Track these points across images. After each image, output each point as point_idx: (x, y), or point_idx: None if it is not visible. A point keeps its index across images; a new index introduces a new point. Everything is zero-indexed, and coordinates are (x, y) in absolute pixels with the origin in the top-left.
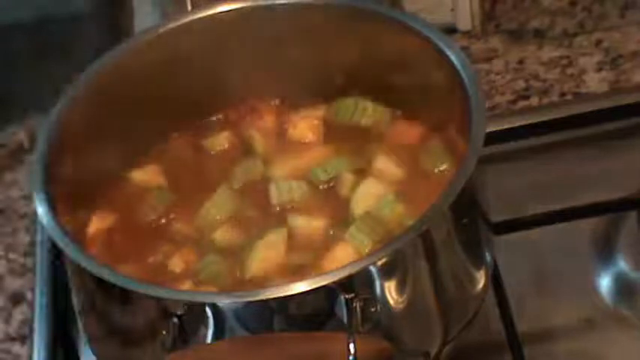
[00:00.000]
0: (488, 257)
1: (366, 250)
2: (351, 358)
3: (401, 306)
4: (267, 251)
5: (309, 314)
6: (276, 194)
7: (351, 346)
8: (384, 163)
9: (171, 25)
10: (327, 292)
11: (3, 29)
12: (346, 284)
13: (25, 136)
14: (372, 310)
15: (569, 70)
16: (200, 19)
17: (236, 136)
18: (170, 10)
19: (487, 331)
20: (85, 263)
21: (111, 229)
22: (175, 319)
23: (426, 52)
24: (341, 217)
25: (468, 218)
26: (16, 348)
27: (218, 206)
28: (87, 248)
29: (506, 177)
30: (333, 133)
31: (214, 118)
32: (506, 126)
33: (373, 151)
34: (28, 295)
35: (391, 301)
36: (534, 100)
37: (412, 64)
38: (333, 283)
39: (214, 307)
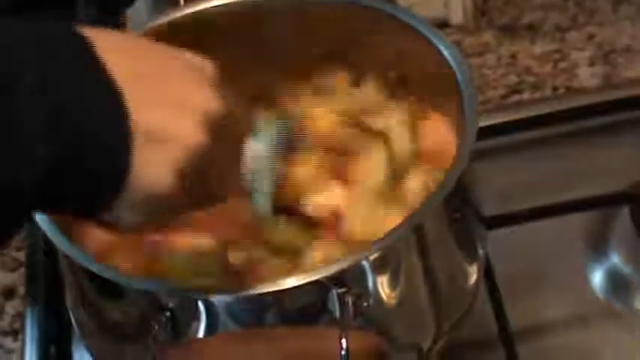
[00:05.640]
0: (480, 252)
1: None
2: (343, 352)
3: (393, 301)
4: None
5: (301, 309)
6: None
7: (344, 340)
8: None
9: (164, 20)
10: (320, 287)
11: None
12: (338, 279)
13: None
14: (365, 304)
15: (562, 65)
16: (193, 14)
17: None
18: (163, 6)
19: (480, 326)
20: (77, 257)
21: None
22: (168, 314)
23: (418, 46)
24: None
25: (460, 213)
26: (9, 342)
27: None
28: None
29: (498, 171)
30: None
31: None
32: (498, 120)
33: None
34: (21, 290)
35: (383, 296)
36: (527, 95)
37: (404, 59)
38: (326, 277)
39: (206, 302)
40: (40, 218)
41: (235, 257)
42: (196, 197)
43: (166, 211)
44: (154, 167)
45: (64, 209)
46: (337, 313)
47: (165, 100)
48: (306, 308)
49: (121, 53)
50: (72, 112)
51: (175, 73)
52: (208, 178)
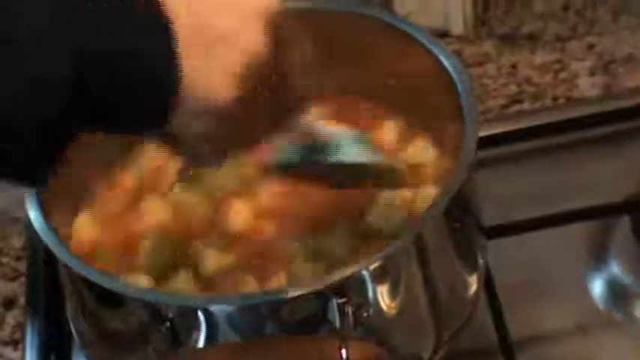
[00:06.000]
0: (480, 262)
1: None
2: None
3: (393, 311)
4: None
5: (301, 319)
6: None
7: (343, 351)
8: None
9: None
10: (320, 297)
11: None
12: (339, 289)
13: None
14: (365, 314)
15: (562, 75)
16: None
17: None
18: None
19: (479, 336)
20: (77, 267)
21: None
22: (167, 324)
23: (418, 56)
24: None
25: (460, 223)
26: (9, 352)
27: None
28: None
29: (498, 181)
30: None
31: None
32: (498, 130)
33: None
34: (21, 300)
35: (383, 306)
36: (527, 105)
37: (404, 69)
38: (326, 287)
39: (206, 312)
40: (40, 228)
41: (207, 267)
42: (255, 111)
43: (226, 124)
44: (209, 71)
45: (116, 127)
46: (337, 323)
47: (213, 3)
48: (306, 318)
49: None
50: (101, 27)
51: None
52: (267, 88)
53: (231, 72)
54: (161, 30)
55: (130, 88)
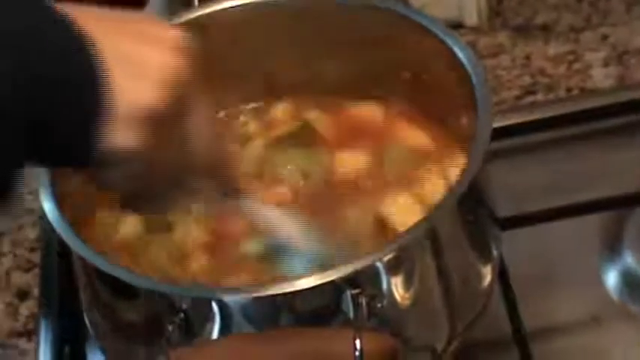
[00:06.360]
0: (494, 253)
1: None
2: (357, 353)
3: (407, 302)
4: None
5: (315, 310)
6: None
7: (357, 341)
8: None
9: (178, 21)
10: (334, 288)
11: None
12: (353, 280)
13: None
14: (379, 305)
15: (576, 66)
16: (208, 15)
17: None
18: (177, 7)
19: (493, 327)
20: (91, 259)
21: None
22: (181, 315)
23: (432, 47)
24: None
25: (474, 214)
26: (23, 343)
27: None
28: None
29: (512, 172)
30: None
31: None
32: (512, 121)
33: None
34: (35, 291)
35: (398, 297)
36: (540, 96)
37: (418, 60)
38: (340, 278)
39: (220, 303)
40: (54, 219)
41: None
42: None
43: (158, 130)
44: (133, 83)
45: (52, 161)
46: (351, 314)
47: (128, 31)
48: (320, 309)
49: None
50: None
51: (136, 17)
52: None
53: (149, 79)
54: (85, 52)
55: (62, 111)
